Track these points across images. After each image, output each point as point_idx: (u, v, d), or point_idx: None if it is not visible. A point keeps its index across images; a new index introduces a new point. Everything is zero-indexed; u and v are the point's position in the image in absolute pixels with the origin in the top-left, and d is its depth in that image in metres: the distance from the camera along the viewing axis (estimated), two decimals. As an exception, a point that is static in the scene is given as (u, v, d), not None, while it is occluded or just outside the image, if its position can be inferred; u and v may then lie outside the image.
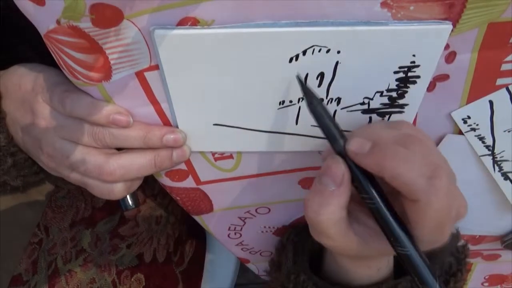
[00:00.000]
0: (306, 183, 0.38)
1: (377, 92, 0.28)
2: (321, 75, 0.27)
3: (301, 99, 0.29)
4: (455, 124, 0.31)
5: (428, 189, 0.22)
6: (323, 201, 0.24)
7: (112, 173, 0.30)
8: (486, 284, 0.51)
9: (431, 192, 0.22)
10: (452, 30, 0.25)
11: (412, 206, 0.23)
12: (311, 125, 0.31)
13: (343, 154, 0.25)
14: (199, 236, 0.55)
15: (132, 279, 0.43)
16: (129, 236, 0.44)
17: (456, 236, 0.37)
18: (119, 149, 0.32)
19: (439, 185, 0.22)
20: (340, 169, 0.24)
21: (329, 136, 0.26)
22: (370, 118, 0.30)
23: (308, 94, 0.26)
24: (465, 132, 0.32)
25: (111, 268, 0.42)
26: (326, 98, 0.29)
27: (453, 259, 0.33)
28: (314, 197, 0.25)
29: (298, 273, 0.34)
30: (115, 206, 0.43)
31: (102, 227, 0.43)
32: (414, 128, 0.27)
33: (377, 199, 0.24)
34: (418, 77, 0.27)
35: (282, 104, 0.29)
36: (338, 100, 0.29)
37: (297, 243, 0.39)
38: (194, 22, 0.25)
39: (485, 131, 0.31)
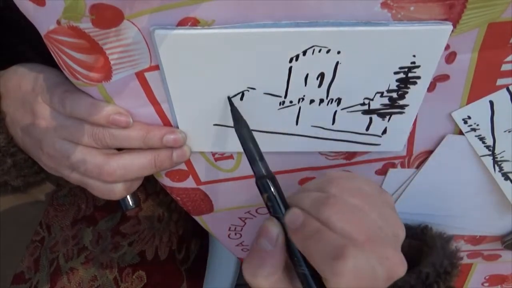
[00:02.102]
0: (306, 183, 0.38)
1: (378, 92, 0.28)
2: (321, 76, 0.27)
3: (301, 100, 0.29)
4: (456, 124, 0.31)
5: (332, 271, 0.22)
6: (259, 262, 0.24)
7: (112, 174, 0.30)
8: (487, 284, 0.51)
9: (335, 273, 0.22)
10: (452, 31, 0.25)
11: (326, 283, 0.23)
12: (311, 126, 0.31)
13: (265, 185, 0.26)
14: (205, 234, 0.55)
15: (134, 277, 0.43)
16: (130, 234, 0.44)
17: (450, 238, 0.37)
18: (120, 150, 0.32)
19: (343, 267, 0.22)
20: (274, 230, 0.25)
21: (253, 168, 0.26)
22: (370, 118, 0.30)
23: (236, 116, 0.27)
24: (466, 132, 0.32)
25: (113, 265, 0.42)
26: (326, 98, 0.29)
27: (447, 263, 0.33)
28: (251, 258, 0.25)
29: None
30: (117, 204, 0.43)
31: (104, 225, 0.43)
32: (342, 183, 0.26)
33: (304, 265, 0.24)
34: (419, 77, 0.27)
35: (282, 104, 0.29)
36: (338, 100, 0.29)
37: None
38: (194, 22, 0.25)
39: (485, 131, 0.31)
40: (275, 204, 0.25)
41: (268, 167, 0.26)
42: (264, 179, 0.26)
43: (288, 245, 0.25)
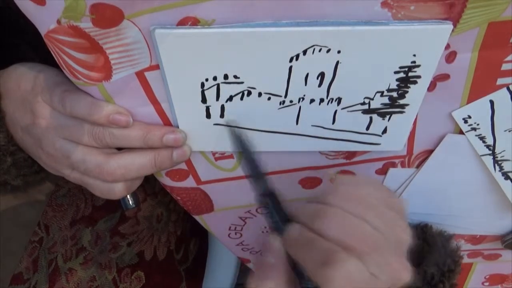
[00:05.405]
0: (306, 183, 0.38)
1: (378, 92, 0.28)
2: (322, 75, 0.27)
3: (301, 99, 0.29)
4: (456, 123, 0.31)
5: (323, 277, 0.22)
6: (263, 274, 0.25)
7: (112, 173, 0.30)
8: (487, 283, 0.51)
9: (326, 279, 0.22)
10: (452, 30, 0.25)
11: None
12: (312, 125, 0.31)
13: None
14: (204, 234, 0.55)
15: (133, 277, 0.43)
16: (129, 234, 0.44)
17: (450, 236, 0.37)
18: (120, 149, 0.32)
19: (333, 273, 0.22)
20: (276, 244, 0.25)
21: (253, 185, 0.28)
22: (371, 118, 0.30)
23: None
24: (466, 131, 0.32)
25: (112, 266, 0.42)
26: (327, 98, 0.29)
27: (450, 261, 0.34)
28: (256, 270, 0.26)
29: None
30: (116, 204, 0.43)
31: (103, 225, 0.43)
32: (344, 191, 0.26)
33: (308, 279, 0.24)
34: (419, 77, 0.27)
35: (283, 104, 0.29)
36: (339, 100, 0.29)
37: None
38: (194, 22, 0.25)
39: (485, 131, 0.31)
40: (275, 221, 0.26)
41: (268, 183, 0.27)
42: (263, 197, 0.27)
43: (293, 260, 0.25)
